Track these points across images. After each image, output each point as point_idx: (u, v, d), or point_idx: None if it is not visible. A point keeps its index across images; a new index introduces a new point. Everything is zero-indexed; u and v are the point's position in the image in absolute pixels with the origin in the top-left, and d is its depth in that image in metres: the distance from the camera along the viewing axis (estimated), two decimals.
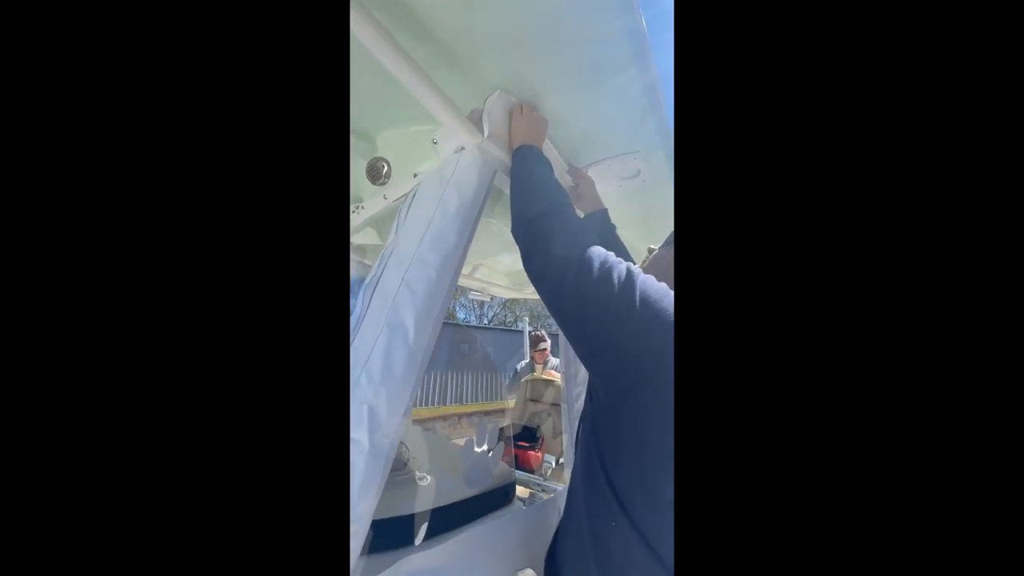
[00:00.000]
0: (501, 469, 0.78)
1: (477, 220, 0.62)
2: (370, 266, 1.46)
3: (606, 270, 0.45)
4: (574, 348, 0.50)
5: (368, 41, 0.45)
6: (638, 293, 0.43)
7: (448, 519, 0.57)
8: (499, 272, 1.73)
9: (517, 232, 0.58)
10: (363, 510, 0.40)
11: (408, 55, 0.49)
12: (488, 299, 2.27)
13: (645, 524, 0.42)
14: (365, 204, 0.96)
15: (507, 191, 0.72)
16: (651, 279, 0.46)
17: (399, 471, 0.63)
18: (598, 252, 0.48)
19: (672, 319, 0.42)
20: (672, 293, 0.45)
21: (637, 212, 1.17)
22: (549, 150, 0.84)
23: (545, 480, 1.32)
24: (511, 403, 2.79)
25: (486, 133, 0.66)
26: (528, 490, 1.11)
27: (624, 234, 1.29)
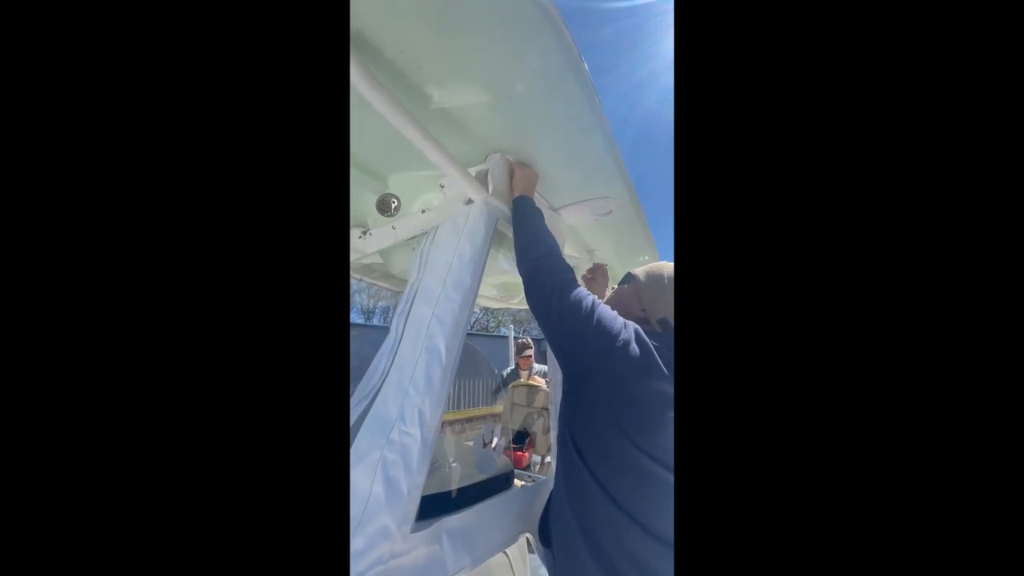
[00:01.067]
0: (502, 460, 0.95)
1: (485, 261, 0.78)
2: (376, 285, 1.57)
3: (578, 299, 0.66)
4: (552, 350, 0.70)
5: (386, 112, 0.57)
6: (596, 316, 0.64)
7: (466, 497, 0.73)
8: (487, 284, 1.89)
9: (522, 268, 0.76)
10: (419, 482, 0.56)
11: (421, 124, 0.62)
12: (476, 309, 2.40)
13: (599, 472, 0.61)
14: (373, 232, 1.10)
15: (505, 232, 0.89)
16: (607, 308, 0.67)
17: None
18: (575, 286, 0.68)
19: (615, 334, 0.62)
20: (619, 318, 0.66)
21: (612, 238, 1.37)
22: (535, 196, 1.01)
23: (534, 475, 1.49)
24: (499, 408, 2.91)
25: (491, 190, 0.83)
26: (520, 482, 1.28)
27: (600, 254, 1.50)
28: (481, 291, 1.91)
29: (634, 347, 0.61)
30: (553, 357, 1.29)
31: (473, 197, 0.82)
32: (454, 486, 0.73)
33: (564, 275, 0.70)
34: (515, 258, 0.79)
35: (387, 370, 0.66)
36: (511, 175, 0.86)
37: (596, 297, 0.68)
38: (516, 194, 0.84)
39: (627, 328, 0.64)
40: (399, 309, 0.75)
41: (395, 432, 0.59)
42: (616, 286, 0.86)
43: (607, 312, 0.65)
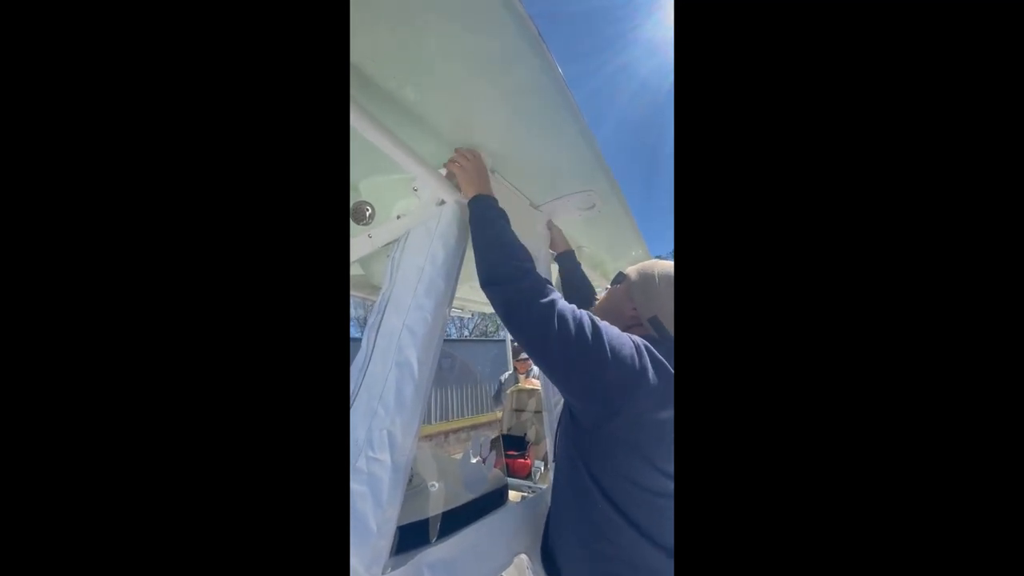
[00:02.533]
0: (494, 475, 0.89)
1: (461, 265, 0.73)
2: (357, 297, 1.52)
3: (581, 329, 0.54)
4: (560, 388, 0.59)
5: (353, 121, 0.54)
6: (608, 346, 0.54)
7: (454, 520, 0.68)
8: (478, 288, 1.84)
9: (493, 295, 0.62)
10: (391, 515, 0.51)
11: (383, 124, 0.59)
12: (469, 315, 2.38)
13: (626, 506, 0.56)
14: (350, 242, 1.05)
15: None
16: (610, 329, 0.57)
17: (408, 484, 0.73)
18: (567, 307, 0.57)
19: (632, 364, 0.54)
20: (625, 338, 0.57)
21: (599, 233, 1.33)
22: (512, 191, 0.96)
23: (535, 483, 1.43)
24: (499, 414, 2.86)
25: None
26: (520, 494, 1.22)
27: (589, 250, 1.46)
28: (473, 296, 1.88)
29: (654, 373, 0.55)
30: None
31: (445, 198, 0.77)
32: (438, 510, 0.67)
33: (548, 296, 0.57)
34: (479, 279, 0.66)
35: (357, 389, 0.61)
36: (457, 174, 0.73)
37: (593, 316, 0.58)
38: (470, 193, 0.71)
39: (639, 352, 0.56)
40: (370, 322, 0.70)
41: (361, 460, 0.53)
42: (608, 286, 0.81)
43: (615, 335, 0.57)
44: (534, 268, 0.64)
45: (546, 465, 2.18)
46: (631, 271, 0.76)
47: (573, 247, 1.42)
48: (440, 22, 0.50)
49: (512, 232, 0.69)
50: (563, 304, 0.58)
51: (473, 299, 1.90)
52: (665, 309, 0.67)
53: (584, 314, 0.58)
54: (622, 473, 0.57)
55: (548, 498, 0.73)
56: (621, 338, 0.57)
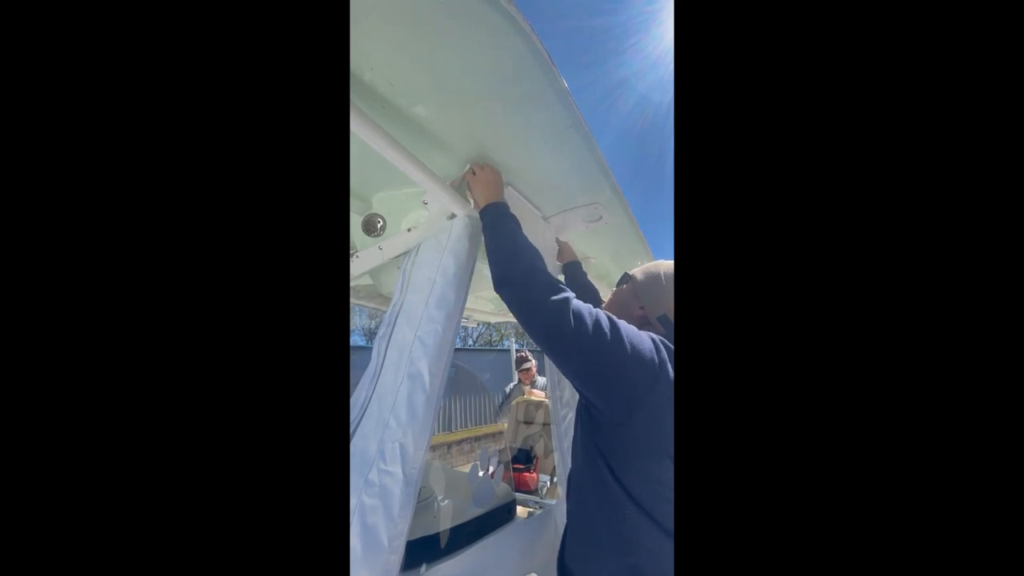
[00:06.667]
0: (502, 489, 0.88)
1: (471, 278, 0.74)
2: (366, 306, 1.54)
3: (597, 325, 0.55)
4: (577, 385, 0.58)
5: (364, 135, 0.56)
6: (625, 339, 0.54)
7: (462, 535, 0.67)
8: (483, 298, 1.86)
9: (506, 293, 0.63)
10: (402, 528, 0.50)
11: (395, 139, 0.60)
12: (474, 324, 2.39)
13: (653, 508, 0.54)
14: (360, 254, 1.07)
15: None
16: (628, 326, 0.58)
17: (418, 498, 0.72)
18: (583, 304, 0.58)
19: (651, 359, 0.54)
20: (644, 336, 0.57)
21: (604, 244, 1.34)
22: (523, 203, 0.98)
23: (542, 498, 1.41)
24: (503, 426, 2.82)
25: (472, 204, 0.79)
26: (527, 509, 1.20)
27: (596, 261, 1.47)
28: (478, 306, 1.89)
29: (671, 367, 0.55)
30: (556, 370, 1.22)
31: (456, 211, 0.79)
32: (447, 525, 0.66)
33: (562, 294, 0.58)
34: (492, 281, 0.67)
35: (368, 400, 0.61)
36: (472, 182, 0.75)
37: (609, 313, 0.58)
38: (482, 203, 0.73)
39: (657, 348, 0.56)
40: (380, 332, 0.71)
41: (374, 472, 0.53)
42: (615, 288, 0.81)
43: (633, 331, 0.57)
44: (545, 268, 0.65)
45: (552, 480, 2.13)
46: (636, 272, 0.77)
47: (580, 258, 1.43)
48: (449, 41, 0.52)
49: (524, 236, 0.71)
50: (577, 302, 0.58)
51: (478, 309, 1.91)
52: (673, 307, 0.67)
53: (600, 311, 0.58)
54: (648, 474, 0.55)
55: (557, 514, 0.72)
56: (639, 334, 0.58)
